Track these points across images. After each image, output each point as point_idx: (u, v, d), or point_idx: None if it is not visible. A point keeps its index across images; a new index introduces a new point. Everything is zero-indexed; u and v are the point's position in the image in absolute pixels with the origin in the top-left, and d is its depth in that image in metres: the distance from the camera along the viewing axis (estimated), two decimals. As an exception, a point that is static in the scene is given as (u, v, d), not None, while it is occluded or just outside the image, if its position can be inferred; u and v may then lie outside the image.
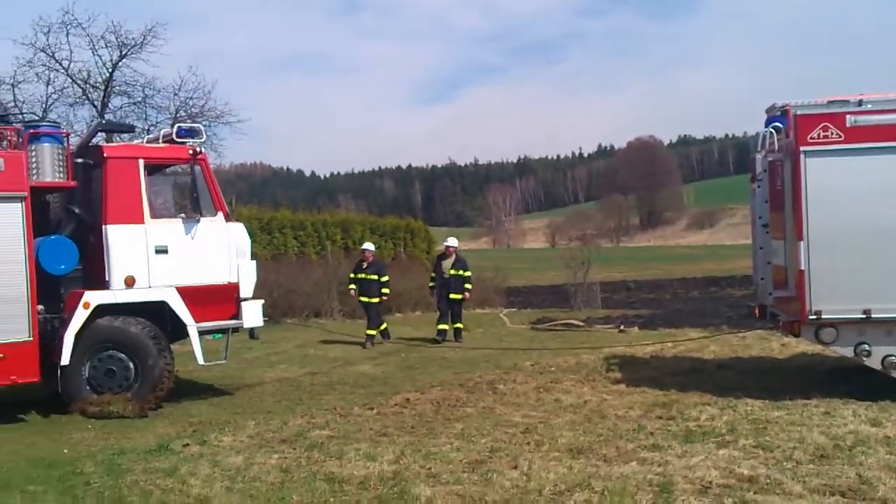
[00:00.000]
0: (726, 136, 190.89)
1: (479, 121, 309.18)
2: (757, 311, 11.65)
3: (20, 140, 10.23)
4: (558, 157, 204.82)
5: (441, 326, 17.23)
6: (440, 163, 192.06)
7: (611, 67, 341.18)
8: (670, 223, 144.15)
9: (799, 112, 9.76)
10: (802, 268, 9.58)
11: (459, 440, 8.26)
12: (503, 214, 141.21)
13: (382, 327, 17.01)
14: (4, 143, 10.29)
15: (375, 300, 16.67)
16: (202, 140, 11.50)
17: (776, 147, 10.51)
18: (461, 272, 17.21)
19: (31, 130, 10.41)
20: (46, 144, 10.32)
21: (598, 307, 24.31)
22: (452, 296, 17.16)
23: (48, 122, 12.23)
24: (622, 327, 18.52)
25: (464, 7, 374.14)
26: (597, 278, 25.97)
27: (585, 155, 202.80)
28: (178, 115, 24.24)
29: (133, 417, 9.82)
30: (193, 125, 11.97)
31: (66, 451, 8.34)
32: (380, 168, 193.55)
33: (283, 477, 7.12)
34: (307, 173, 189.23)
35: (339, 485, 6.83)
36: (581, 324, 19.53)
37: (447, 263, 17.35)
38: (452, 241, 17.87)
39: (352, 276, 17.18)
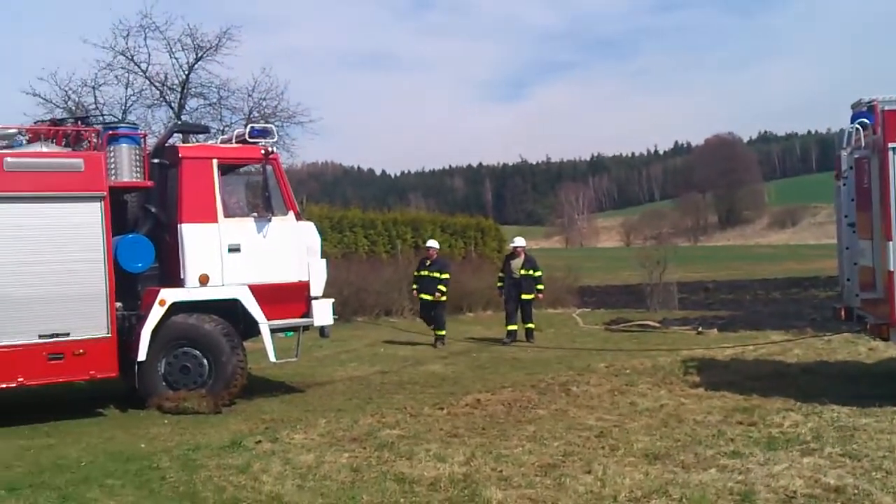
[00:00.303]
0: (809, 132, 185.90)
1: (551, 118, 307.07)
2: (843, 314, 11.16)
3: (100, 141, 10.48)
4: (633, 154, 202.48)
5: (510, 327, 17.00)
6: (511, 161, 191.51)
7: (686, 63, 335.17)
8: (750, 222, 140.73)
9: (886, 108, 9.34)
10: (892, 269, 9.15)
11: (531, 443, 8.10)
12: (576, 213, 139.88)
13: (442, 332, 16.67)
14: (85, 144, 10.56)
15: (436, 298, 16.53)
16: (274, 140, 11.62)
17: (862, 144, 10.06)
18: (531, 272, 16.99)
19: (110, 132, 10.64)
20: (124, 145, 10.53)
21: (675, 308, 23.77)
22: (524, 296, 16.94)
23: (127, 123, 12.50)
24: (700, 329, 18.01)
25: (535, 3, 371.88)
26: (673, 278, 25.45)
27: (661, 152, 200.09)
28: (251, 115, 24.73)
29: (207, 413, 9.95)
30: (266, 126, 12.09)
31: (143, 445, 8.47)
32: (450, 166, 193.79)
33: (353, 476, 7.08)
34: (378, 172, 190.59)
35: (410, 485, 6.76)
36: (657, 325, 19.09)
37: (516, 263, 17.12)
38: (520, 241, 17.65)
39: (415, 273, 17.07)
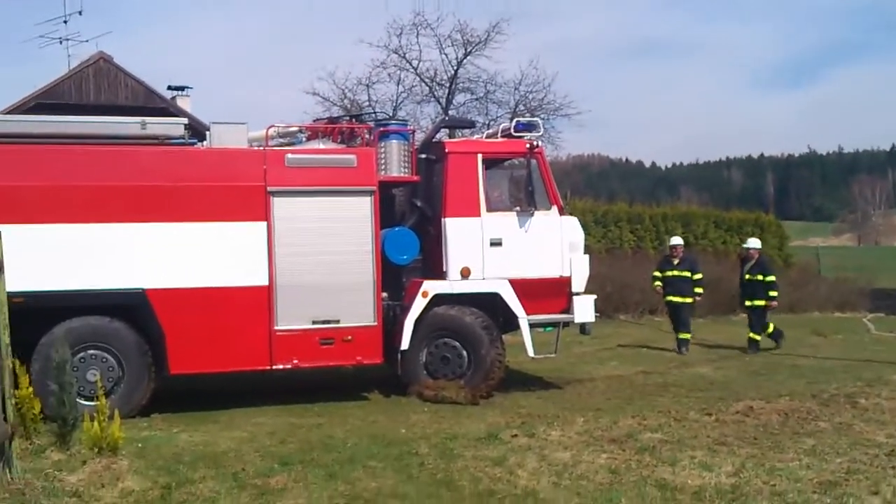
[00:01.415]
0: None
1: (846, 105, 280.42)
2: None
3: (371, 138, 10.95)
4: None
5: (751, 336, 15.48)
6: (797, 151, 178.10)
7: None
8: None
9: None
10: None
11: (810, 457, 7.38)
12: (871, 208, 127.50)
13: (686, 335, 15.44)
14: (358, 140, 11.10)
15: (689, 300, 15.27)
16: (539, 134, 11.53)
17: None
18: (759, 277, 15.29)
19: (381, 128, 11.05)
20: (394, 141, 10.89)
21: None
22: (748, 303, 15.45)
23: (397, 120, 12.99)
24: None
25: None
26: None
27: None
28: (517, 109, 24.94)
29: (465, 404, 10.07)
30: (531, 119, 12.05)
31: (403, 430, 8.71)
32: (727, 158, 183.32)
33: (611, 478, 6.84)
34: (647, 164, 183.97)
35: (672, 493, 6.42)
36: (966, 335, 16.82)
37: (747, 267, 15.59)
38: (754, 243, 15.99)
39: (658, 273, 15.74)
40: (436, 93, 25.80)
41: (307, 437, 8.41)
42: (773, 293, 15.31)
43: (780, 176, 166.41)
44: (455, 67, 25.47)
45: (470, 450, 7.77)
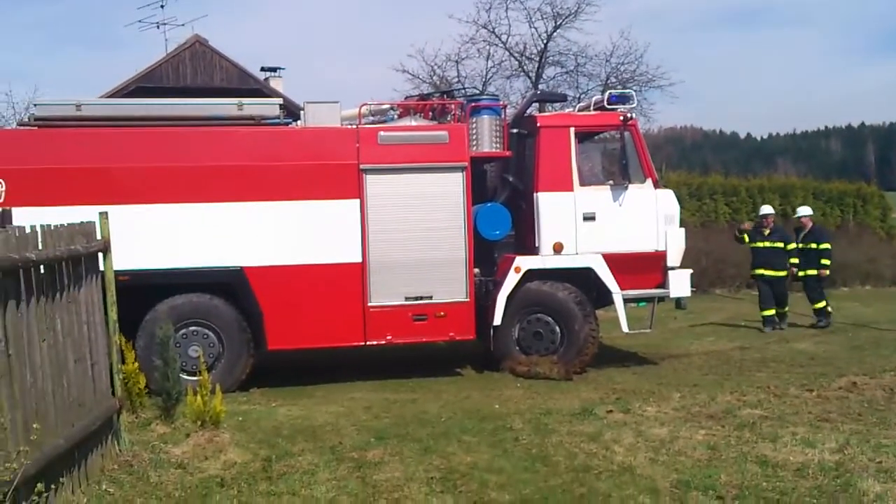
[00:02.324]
0: None
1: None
2: None
3: (463, 113, 10.92)
4: None
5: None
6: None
7: None
8: None
9: None
10: None
11: (917, 434, 7.11)
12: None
13: (785, 309, 14.77)
14: (449, 116, 11.09)
15: (782, 273, 14.54)
16: (633, 106, 11.29)
17: None
18: (812, 245, 14.66)
19: (473, 104, 11.00)
20: (486, 117, 10.84)
21: None
22: (801, 273, 14.72)
23: (488, 95, 12.92)
24: None
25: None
26: None
27: None
28: (608, 81, 24.46)
29: (558, 379, 10.05)
30: (624, 91, 11.81)
31: (497, 406, 8.74)
32: (826, 127, 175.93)
33: (710, 454, 6.72)
34: (741, 135, 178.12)
35: (773, 469, 6.28)
36: None
37: (800, 236, 14.90)
38: (804, 210, 15.38)
39: (750, 245, 14.93)
40: (525, 67, 25.45)
41: (402, 412, 8.52)
42: (825, 261, 14.70)
43: (881, 145, 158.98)
44: (545, 41, 25.06)
45: (565, 425, 7.75)
